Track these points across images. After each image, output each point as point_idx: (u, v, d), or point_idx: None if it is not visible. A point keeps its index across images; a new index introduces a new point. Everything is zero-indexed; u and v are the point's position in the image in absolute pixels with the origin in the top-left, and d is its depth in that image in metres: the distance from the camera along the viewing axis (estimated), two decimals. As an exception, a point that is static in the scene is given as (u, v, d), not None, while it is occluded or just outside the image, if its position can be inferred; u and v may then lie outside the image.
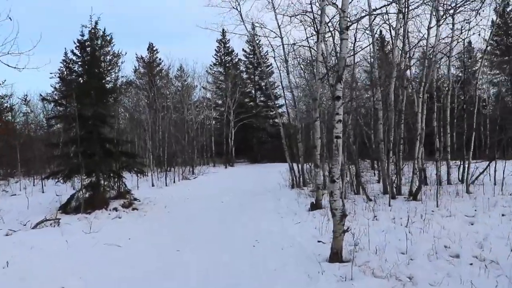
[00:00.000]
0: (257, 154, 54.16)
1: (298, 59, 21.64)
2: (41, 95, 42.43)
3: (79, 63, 42.51)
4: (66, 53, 41.53)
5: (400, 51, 15.81)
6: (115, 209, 14.30)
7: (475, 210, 12.21)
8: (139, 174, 16.74)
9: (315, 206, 13.20)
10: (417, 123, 15.38)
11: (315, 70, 15.37)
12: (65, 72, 41.21)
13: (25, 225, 11.60)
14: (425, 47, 16.67)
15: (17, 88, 67.11)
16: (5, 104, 36.81)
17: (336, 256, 7.50)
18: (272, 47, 20.59)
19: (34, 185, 23.61)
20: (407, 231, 9.57)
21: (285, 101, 21.34)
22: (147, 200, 16.73)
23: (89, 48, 42.85)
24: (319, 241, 9.25)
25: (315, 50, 15.39)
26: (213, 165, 45.57)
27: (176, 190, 20.82)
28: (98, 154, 15.09)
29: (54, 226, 11.62)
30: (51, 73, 40.58)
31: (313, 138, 17.30)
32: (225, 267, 7.74)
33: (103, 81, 19.39)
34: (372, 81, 16.92)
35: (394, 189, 15.30)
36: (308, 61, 20.51)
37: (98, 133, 15.43)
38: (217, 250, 9.06)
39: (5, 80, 44.77)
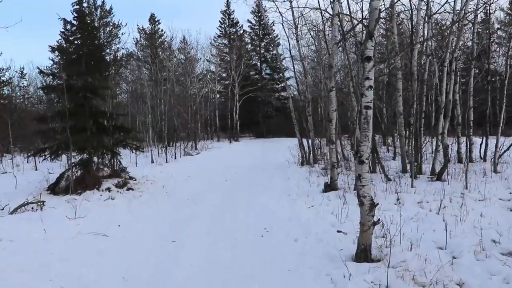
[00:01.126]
0: (262, 128, 52.62)
1: (308, 25, 19.97)
2: (38, 67, 40.79)
3: (78, 34, 41.08)
4: (65, 24, 39.76)
5: (423, 16, 14.16)
6: (108, 189, 12.96)
7: (510, 193, 10.84)
8: (135, 151, 15.34)
9: (330, 186, 11.82)
10: (441, 95, 13.88)
11: (328, 35, 13.83)
12: (65, 45, 39.50)
13: (2, 209, 10.25)
14: (448, 12, 15.04)
15: (15, 62, 65.59)
16: (2, 78, 35.51)
17: (364, 254, 6.13)
18: (279, 11, 18.88)
19: (28, 162, 22.28)
20: (440, 220, 8.21)
21: (294, 71, 19.86)
22: (144, 179, 15.36)
23: (87, 18, 41.62)
24: (339, 231, 7.89)
25: (329, 13, 13.78)
26: (217, 140, 44.15)
27: (176, 167, 19.43)
28: (89, 129, 13.71)
29: (36, 210, 10.30)
30: (49, 46, 39.00)
31: (326, 110, 15.88)
32: (227, 268, 6.39)
33: (102, 52, 17.55)
34: (388, 48, 15.34)
35: (415, 168, 13.88)
36: (319, 28, 18.86)
37: (90, 106, 14.00)
38: (218, 242, 7.71)
39: (1, 53, 43.71)
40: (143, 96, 29.88)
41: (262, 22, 54.34)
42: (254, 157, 24.79)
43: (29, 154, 14.35)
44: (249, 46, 55.06)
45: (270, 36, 53.49)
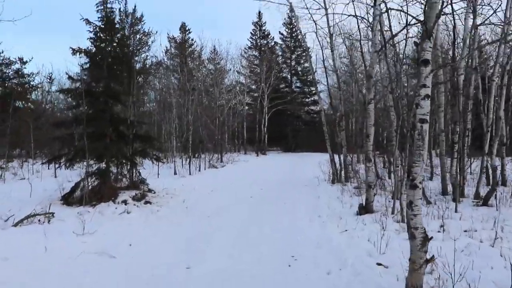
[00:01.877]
0: (291, 142, 51.64)
1: (343, 34, 18.94)
2: (67, 73, 40.79)
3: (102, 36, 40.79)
4: (96, 31, 39.71)
5: (470, 26, 12.99)
6: (125, 201, 12.10)
7: None
8: (156, 161, 14.49)
9: (365, 209, 10.70)
10: (488, 111, 12.67)
11: (365, 45, 12.80)
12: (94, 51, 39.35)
13: (6, 220, 9.41)
14: (495, 24, 13.83)
15: (49, 68, 66.19)
16: (32, 83, 35.39)
17: (414, 299, 5.04)
18: (313, 19, 17.91)
19: (48, 169, 21.67)
20: (497, 254, 7.04)
21: (327, 83, 18.74)
22: (164, 192, 14.49)
23: (118, 26, 41.46)
24: (379, 264, 6.77)
25: (367, 20, 12.75)
26: (244, 152, 43.25)
27: (200, 180, 18.54)
28: (109, 136, 12.93)
29: (43, 223, 9.44)
30: (71, 48, 38.81)
31: (358, 125, 14.81)
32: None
33: (127, 55, 16.86)
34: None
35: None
36: (355, 38, 17.82)
37: (111, 112, 13.24)
38: (239, 272, 6.67)
39: (32, 58, 43.80)
40: (170, 105, 29.19)
41: (294, 34, 53.65)
42: (281, 172, 23.75)
43: (44, 161, 13.60)
44: (280, 58, 54.28)
45: (303, 47, 52.80)
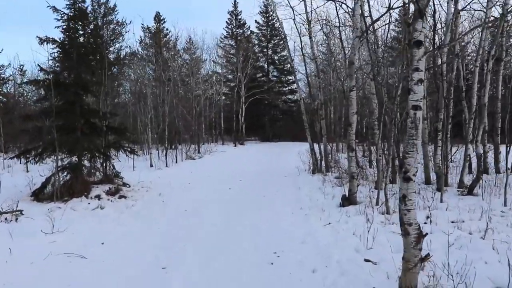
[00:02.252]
0: (269, 132, 51.33)
1: (321, 21, 18.50)
2: (39, 65, 39.64)
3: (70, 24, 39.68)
4: (66, 20, 38.70)
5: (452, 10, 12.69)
6: (98, 196, 11.58)
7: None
8: (130, 154, 13.92)
9: (348, 200, 10.37)
10: (472, 98, 12.42)
11: (346, 31, 12.39)
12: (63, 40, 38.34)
13: (-31, 220, 8.84)
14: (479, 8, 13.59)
15: (16, 60, 64.37)
16: (2, 75, 34.20)
17: (408, 300, 4.69)
18: (290, 5, 17.41)
19: (20, 163, 20.87)
20: (489, 247, 6.76)
21: (306, 71, 18.23)
22: (140, 185, 13.97)
23: (90, 16, 40.40)
24: (367, 260, 6.42)
25: (346, 5, 12.32)
26: (222, 143, 42.68)
27: (177, 172, 18.02)
28: (80, 129, 12.35)
29: (10, 221, 8.88)
30: (37, 37, 37.70)
31: (337, 114, 14.45)
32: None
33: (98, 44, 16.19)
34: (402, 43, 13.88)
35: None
36: (334, 24, 17.40)
37: (81, 104, 12.62)
38: (217, 272, 6.23)
39: (2, 50, 42.45)
40: (145, 96, 28.45)
41: (270, 23, 53.12)
42: (260, 162, 23.33)
43: (13, 155, 12.93)
44: (256, 47, 53.69)
45: (280, 35, 52.34)
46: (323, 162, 17.35)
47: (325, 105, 18.71)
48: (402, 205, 4.73)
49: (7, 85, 35.71)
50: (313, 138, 17.91)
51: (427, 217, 9.11)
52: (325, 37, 19.34)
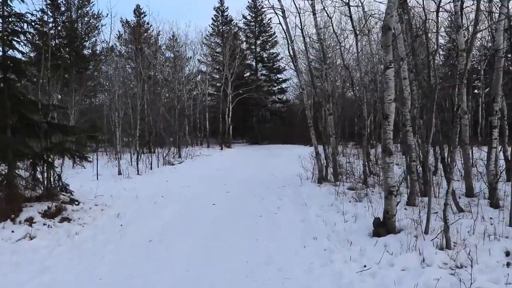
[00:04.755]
0: (257, 134, 48.02)
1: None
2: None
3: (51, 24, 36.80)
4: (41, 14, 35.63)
5: None
6: (30, 220, 8.34)
7: None
8: (80, 160, 10.59)
9: (384, 226, 7.15)
10: None
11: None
12: (34, 35, 35.05)
13: None
14: None
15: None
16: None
17: None
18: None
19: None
20: None
21: (307, 58, 14.84)
22: (96, 201, 10.65)
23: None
24: None
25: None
26: (207, 146, 39.17)
27: (148, 182, 14.60)
28: (11, 127, 9.06)
29: None
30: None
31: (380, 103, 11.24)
32: None
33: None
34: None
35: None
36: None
37: (12, 93, 9.31)
38: None
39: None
40: (124, 94, 24.96)
41: (258, 19, 50.05)
42: (251, 169, 19.94)
43: None
44: (244, 44, 50.50)
45: (268, 33, 49.45)
46: (329, 169, 14.08)
47: (332, 97, 15.24)
48: None
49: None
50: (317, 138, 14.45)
51: (507, 253, 6.06)
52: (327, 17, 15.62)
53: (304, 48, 15.70)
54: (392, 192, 7.16)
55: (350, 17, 13.31)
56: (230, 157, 27.54)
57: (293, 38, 13.68)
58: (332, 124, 14.00)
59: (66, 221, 8.69)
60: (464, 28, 10.38)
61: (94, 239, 7.77)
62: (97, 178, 14.82)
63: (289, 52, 14.39)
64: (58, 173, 10.14)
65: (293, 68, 31.92)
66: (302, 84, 13.66)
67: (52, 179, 10.06)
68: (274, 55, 50.04)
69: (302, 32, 13.93)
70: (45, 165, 9.72)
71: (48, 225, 8.33)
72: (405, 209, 8.95)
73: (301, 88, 13.72)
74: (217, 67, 48.08)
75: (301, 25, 13.98)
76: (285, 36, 13.85)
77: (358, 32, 13.79)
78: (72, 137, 10.53)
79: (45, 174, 9.87)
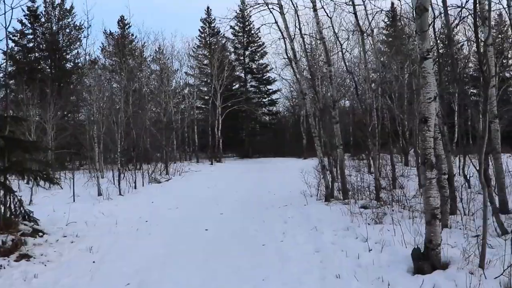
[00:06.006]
0: (248, 147, 46.40)
1: None
2: None
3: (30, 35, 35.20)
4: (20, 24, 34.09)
5: None
6: (-24, 260, 6.64)
7: None
8: (44, 182, 8.92)
9: (427, 259, 5.57)
10: None
11: None
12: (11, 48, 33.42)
13: None
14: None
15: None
16: None
17: None
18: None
19: None
20: None
21: (307, 55, 13.16)
22: (66, 230, 8.98)
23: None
24: None
25: None
26: (196, 161, 37.35)
27: (131, 204, 12.89)
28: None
29: None
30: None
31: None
32: None
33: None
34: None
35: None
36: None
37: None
38: None
39: None
40: (110, 108, 23.23)
41: (246, 29, 48.71)
42: (245, 185, 18.24)
43: None
44: (233, 55, 49.09)
45: (257, 44, 48.04)
46: (334, 184, 12.47)
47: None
48: None
49: None
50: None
51: None
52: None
53: (302, 49, 14.17)
54: (436, 216, 5.59)
55: (355, 13, 11.88)
56: (222, 173, 25.79)
57: (292, 37, 12.11)
58: (339, 133, 12.38)
59: (25, 259, 7.01)
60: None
61: (57, 283, 6.12)
62: (74, 200, 13.12)
63: (286, 54, 12.85)
64: (18, 198, 8.43)
65: (284, 78, 30.45)
66: (303, 89, 12.07)
67: (12, 206, 8.36)
68: (264, 65, 48.64)
69: (300, 32, 12.43)
70: (1, 188, 8.03)
71: (1, 266, 6.67)
72: (465, 236, 7.36)
73: (303, 94, 12.02)
74: (205, 79, 46.55)
75: (299, 24, 12.48)
76: (282, 37, 12.38)
77: (364, 30, 12.33)
78: (35, 154, 8.83)
79: (3, 200, 8.17)
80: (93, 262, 7.07)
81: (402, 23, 24.59)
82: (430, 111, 5.61)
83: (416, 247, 5.91)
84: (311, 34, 15.96)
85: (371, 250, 6.79)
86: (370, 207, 10.04)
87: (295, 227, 8.97)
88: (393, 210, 9.45)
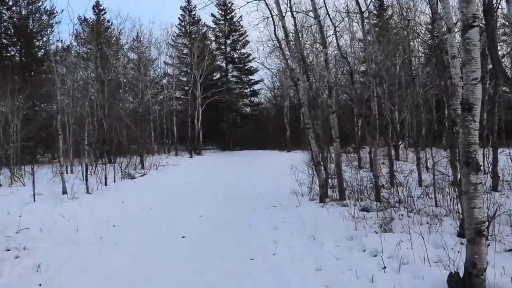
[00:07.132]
0: (228, 139, 44.96)
1: None
2: None
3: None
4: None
5: None
6: None
7: None
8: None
9: (467, 287, 4.28)
10: None
11: None
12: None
13: None
14: None
15: None
16: None
17: None
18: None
19: None
20: None
21: (299, 39, 11.77)
22: (12, 241, 7.49)
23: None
24: None
25: None
26: (175, 153, 35.75)
27: (98, 204, 11.38)
28: None
29: None
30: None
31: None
32: None
33: None
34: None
35: None
36: None
37: None
38: None
39: None
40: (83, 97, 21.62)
41: (228, 16, 47.13)
42: (227, 181, 16.79)
43: None
44: (214, 44, 47.47)
45: (238, 32, 46.56)
46: (329, 182, 11.14)
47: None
48: None
49: None
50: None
51: None
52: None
53: (293, 30, 12.74)
54: (483, 233, 4.28)
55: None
56: (202, 167, 24.28)
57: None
58: (336, 124, 11.02)
59: (-49, 282, 5.57)
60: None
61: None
62: (34, 200, 11.57)
63: (275, 35, 11.48)
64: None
65: (267, 67, 29.26)
66: (296, 74, 10.65)
67: None
68: (246, 55, 47.11)
69: (291, 10, 10.99)
70: None
71: None
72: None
73: (295, 80, 10.58)
74: (185, 69, 44.94)
75: (290, 2, 11.07)
76: (270, 15, 10.99)
77: (364, 9, 10.99)
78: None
79: None
80: (39, 285, 5.63)
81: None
82: (475, 96, 4.28)
83: (454, 271, 4.59)
84: (304, 12, 14.45)
85: (385, 268, 5.48)
86: (372, 210, 8.73)
87: (288, 235, 7.55)
88: (402, 215, 8.11)
